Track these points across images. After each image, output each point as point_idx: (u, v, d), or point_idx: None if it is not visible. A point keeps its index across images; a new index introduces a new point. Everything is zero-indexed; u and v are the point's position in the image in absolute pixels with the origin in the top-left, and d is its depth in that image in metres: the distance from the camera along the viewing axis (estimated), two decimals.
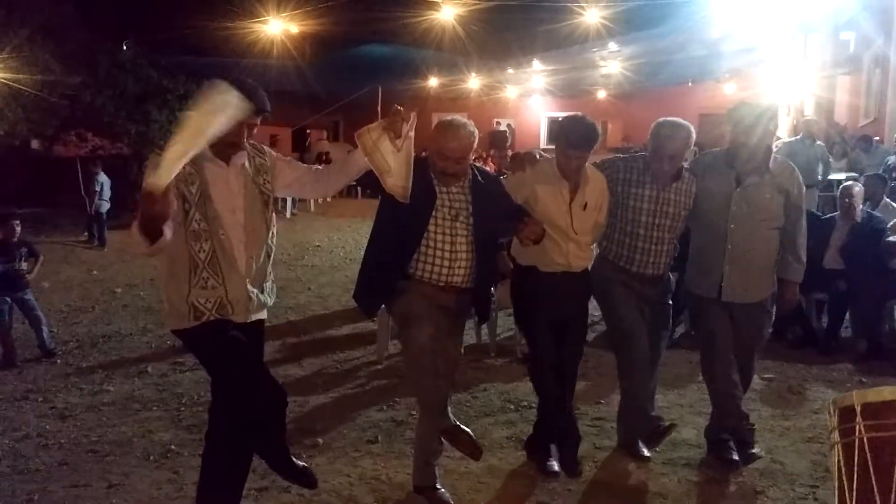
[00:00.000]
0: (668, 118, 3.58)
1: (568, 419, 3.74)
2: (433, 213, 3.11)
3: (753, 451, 3.68)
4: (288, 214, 14.73)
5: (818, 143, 9.09)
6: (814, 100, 16.92)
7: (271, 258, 2.92)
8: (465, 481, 3.60)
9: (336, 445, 4.06)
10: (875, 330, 5.67)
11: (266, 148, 2.95)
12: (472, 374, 5.21)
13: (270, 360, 5.64)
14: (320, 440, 4.12)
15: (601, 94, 23.19)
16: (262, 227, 2.82)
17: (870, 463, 1.40)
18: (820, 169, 8.84)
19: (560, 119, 3.53)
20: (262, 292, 2.87)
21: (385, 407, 4.64)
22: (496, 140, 23.82)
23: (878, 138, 11.46)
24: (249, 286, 2.78)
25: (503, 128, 24.98)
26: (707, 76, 20.66)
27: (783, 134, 17.10)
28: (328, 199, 16.33)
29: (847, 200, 5.88)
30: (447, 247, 3.12)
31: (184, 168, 2.50)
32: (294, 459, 3.12)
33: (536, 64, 20.13)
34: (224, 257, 2.70)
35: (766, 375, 5.11)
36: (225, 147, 2.68)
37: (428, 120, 27.28)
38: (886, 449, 1.39)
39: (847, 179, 9.67)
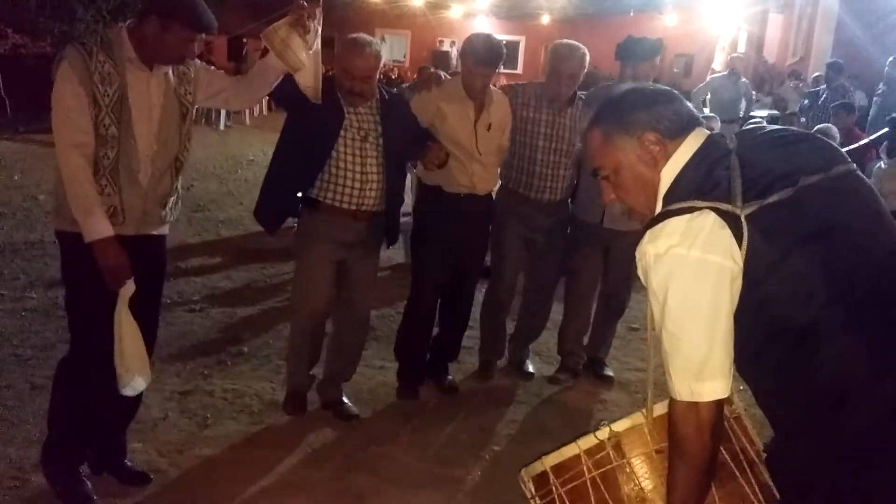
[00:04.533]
0: (564, 40, 3.68)
1: (455, 338, 3.94)
2: (342, 133, 3.09)
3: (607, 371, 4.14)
4: (221, 126, 14.40)
5: (743, 80, 9.39)
6: (746, 35, 17.24)
7: (180, 173, 2.75)
8: (384, 389, 3.85)
9: (261, 354, 4.21)
10: None
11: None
12: (396, 290, 5.40)
13: (199, 272, 5.74)
14: (245, 349, 4.27)
15: (545, 20, 23.03)
16: (176, 140, 2.66)
17: None
18: (743, 105, 9.17)
19: (468, 37, 3.57)
20: (165, 207, 2.71)
21: None
22: (438, 60, 23.54)
23: (804, 77, 11.87)
24: (148, 200, 2.63)
25: (446, 47, 24.53)
26: (650, 8, 20.69)
27: (718, 68, 17.52)
28: (264, 113, 16.02)
29: None
30: (357, 168, 3.12)
31: (103, 66, 2.44)
32: (128, 462, 2.96)
33: None
34: (127, 167, 2.54)
35: None
36: (168, 61, 2.57)
37: (372, 35, 26.57)
38: (582, 493, 1.62)
39: (769, 116, 10.10)
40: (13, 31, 15.61)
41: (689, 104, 1.53)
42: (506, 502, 2.87)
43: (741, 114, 9.06)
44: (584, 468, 1.62)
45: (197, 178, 9.68)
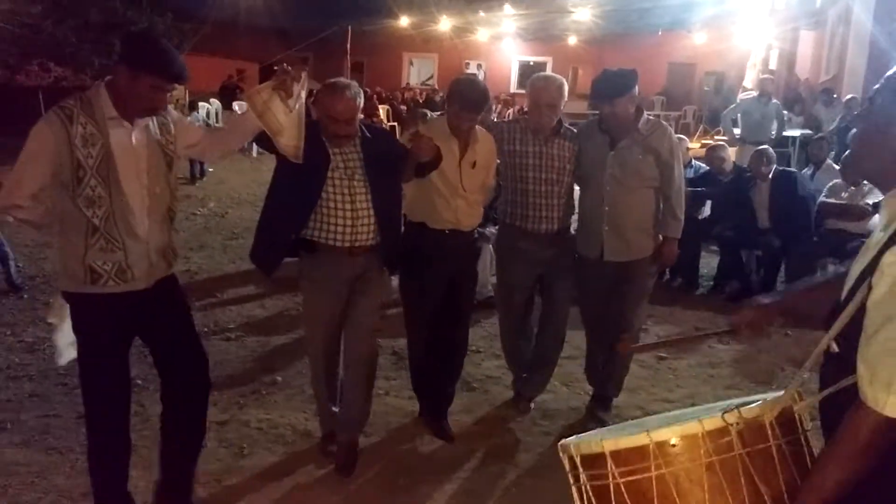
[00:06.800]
0: (542, 73, 3.82)
1: (449, 382, 3.92)
2: (329, 174, 3.19)
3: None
4: (254, 154, 14.65)
5: (774, 101, 9.33)
6: (777, 52, 17.12)
7: (173, 222, 2.83)
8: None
9: (295, 384, 4.31)
10: None
11: (168, 106, 2.81)
12: None
13: (234, 301, 5.89)
14: (279, 378, 4.37)
15: (572, 41, 23.13)
16: (166, 190, 2.72)
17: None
18: (774, 126, 9.10)
19: (456, 80, 3.67)
20: (164, 257, 2.77)
21: None
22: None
23: (836, 95, 11.72)
24: (151, 252, 2.68)
25: (472, 69, 24.57)
26: (678, 26, 20.67)
27: (749, 85, 17.42)
28: None
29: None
30: (348, 206, 3.20)
31: (84, 128, 2.47)
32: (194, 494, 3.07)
33: (507, 8, 20.05)
34: (123, 223, 2.58)
35: (699, 325, 5.46)
36: (141, 112, 2.60)
37: (398, 60, 26.90)
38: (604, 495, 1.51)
39: (801, 136, 10.02)
40: (55, 64, 16.18)
41: None
42: None
43: (772, 135, 8.98)
44: (701, 451, 1.46)
45: (231, 205, 9.90)
